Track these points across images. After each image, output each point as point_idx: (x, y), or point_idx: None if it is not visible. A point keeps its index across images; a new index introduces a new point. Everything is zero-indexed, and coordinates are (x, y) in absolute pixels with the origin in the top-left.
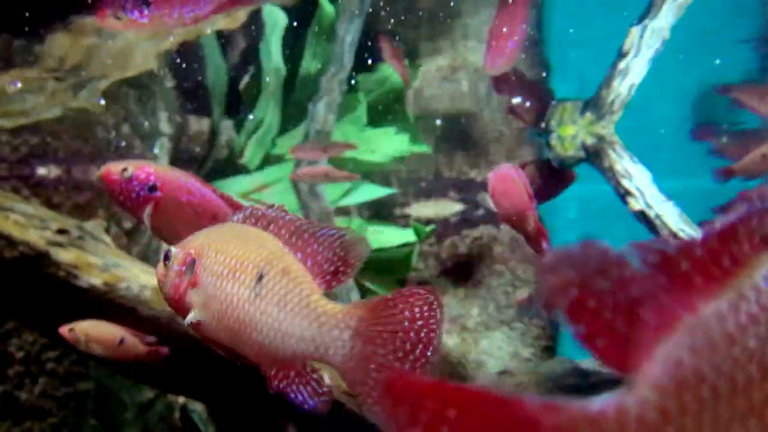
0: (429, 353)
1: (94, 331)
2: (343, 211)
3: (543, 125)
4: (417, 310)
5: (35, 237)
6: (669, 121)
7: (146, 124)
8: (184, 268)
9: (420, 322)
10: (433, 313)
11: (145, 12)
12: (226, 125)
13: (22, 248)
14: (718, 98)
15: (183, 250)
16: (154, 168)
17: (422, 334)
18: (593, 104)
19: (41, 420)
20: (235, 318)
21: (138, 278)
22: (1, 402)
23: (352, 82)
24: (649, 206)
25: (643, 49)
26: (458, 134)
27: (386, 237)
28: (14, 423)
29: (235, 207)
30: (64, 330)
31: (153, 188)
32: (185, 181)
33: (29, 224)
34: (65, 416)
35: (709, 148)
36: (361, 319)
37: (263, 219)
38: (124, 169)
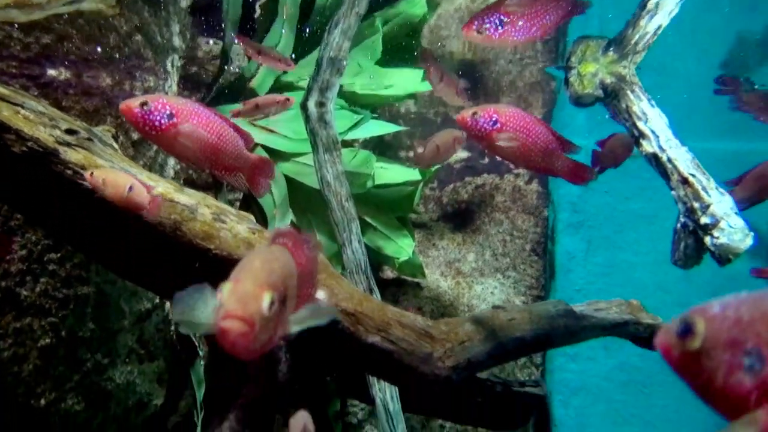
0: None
1: (110, 176)
2: (349, 146)
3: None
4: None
5: (44, 134)
6: (692, 80)
7: (159, 36)
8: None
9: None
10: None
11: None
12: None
13: (30, 144)
14: (750, 50)
15: (270, 290)
16: (167, 98)
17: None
18: (617, 43)
19: (41, 318)
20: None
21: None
22: (3, 297)
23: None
24: (662, 149)
25: None
26: (470, 79)
27: (391, 174)
28: (15, 318)
29: (237, 129)
30: (87, 175)
31: (171, 116)
32: (195, 107)
33: (38, 121)
34: (65, 317)
35: (730, 101)
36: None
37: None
38: (144, 103)
